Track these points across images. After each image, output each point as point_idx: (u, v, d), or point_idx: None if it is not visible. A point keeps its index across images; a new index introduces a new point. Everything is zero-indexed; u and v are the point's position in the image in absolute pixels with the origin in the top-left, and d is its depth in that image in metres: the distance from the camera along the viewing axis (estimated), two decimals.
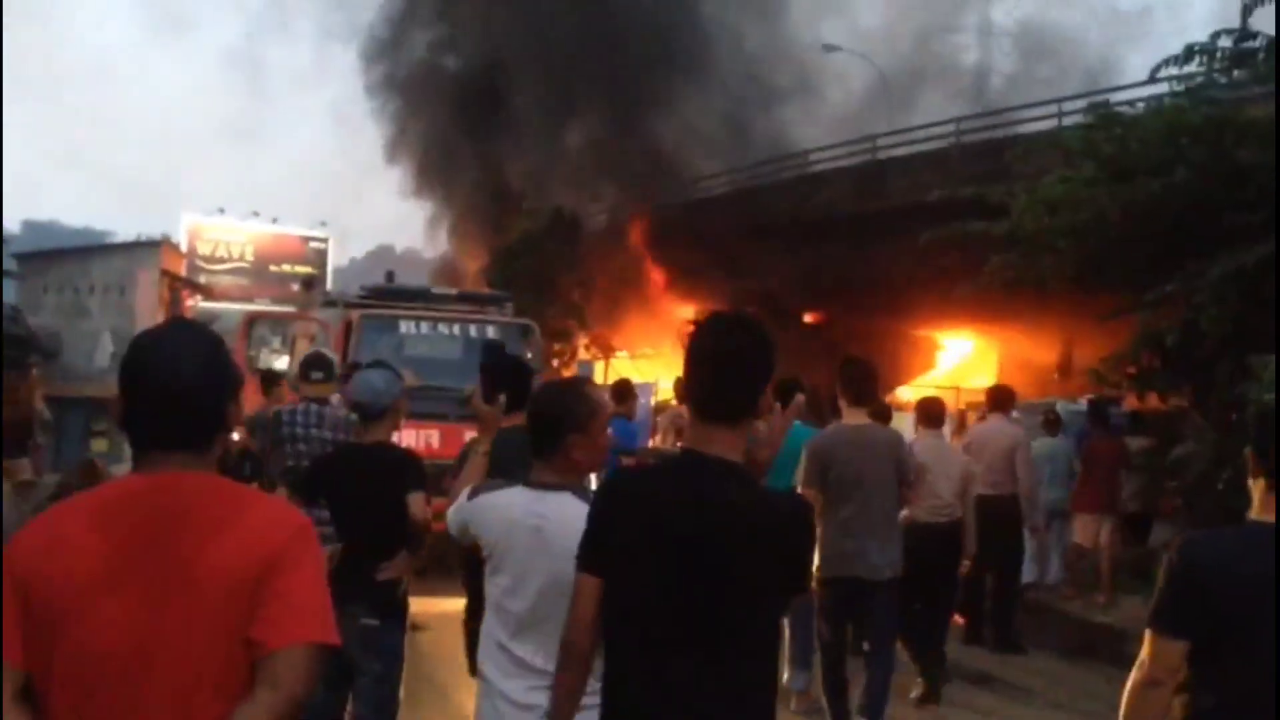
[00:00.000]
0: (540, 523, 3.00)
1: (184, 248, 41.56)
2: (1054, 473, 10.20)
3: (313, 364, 6.35)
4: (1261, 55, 8.49)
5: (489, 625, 3.13)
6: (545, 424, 3.09)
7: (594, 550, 2.42)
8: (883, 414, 10.75)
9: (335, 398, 6.38)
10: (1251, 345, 8.96)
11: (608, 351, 30.31)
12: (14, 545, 1.91)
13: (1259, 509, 2.69)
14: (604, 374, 27.52)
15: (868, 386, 6.08)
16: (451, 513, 3.31)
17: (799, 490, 5.67)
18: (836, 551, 5.73)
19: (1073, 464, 10.37)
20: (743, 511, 2.29)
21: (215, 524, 1.90)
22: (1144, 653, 2.62)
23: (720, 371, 2.36)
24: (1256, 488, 2.72)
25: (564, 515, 2.91)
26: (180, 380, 1.95)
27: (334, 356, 7.21)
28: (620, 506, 2.41)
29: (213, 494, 1.96)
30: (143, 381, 1.97)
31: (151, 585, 1.85)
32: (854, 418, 6.02)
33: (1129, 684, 2.67)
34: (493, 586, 3.13)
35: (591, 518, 2.46)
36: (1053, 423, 10.61)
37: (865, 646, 6.10)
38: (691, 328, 2.45)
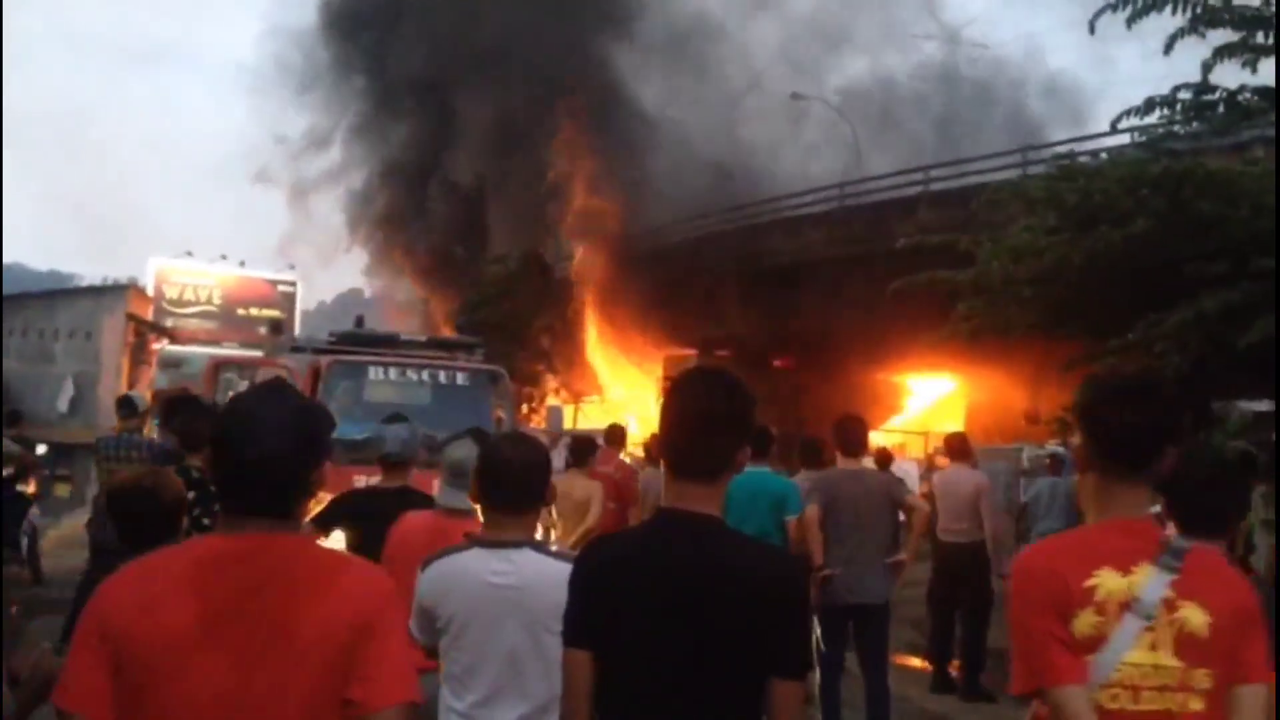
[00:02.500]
0: (508, 581, 2.98)
1: (150, 291, 41.25)
2: (1053, 508, 10.29)
3: (121, 404, 7.99)
4: (1221, 108, 8.65)
5: (446, 698, 3.07)
6: (519, 478, 3.07)
7: (581, 623, 2.33)
8: (883, 459, 10.92)
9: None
10: (1214, 392, 9.10)
11: (578, 397, 30.31)
12: (104, 600, 1.93)
13: None
14: (573, 418, 27.51)
15: (859, 439, 6.81)
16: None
17: (810, 506, 6.43)
18: (843, 581, 6.36)
19: (1074, 502, 10.47)
20: (731, 567, 2.24)
21: (310, 586, 1.95)
22: None
23: (699, 430, 2.32)
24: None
25: (536, 573, 2.92)
26: (263, 449, 1.98)
27: (142, 397, 8.47)
28: (603, 575, 2.34)
29: (306, 557, 2.02)
30: (228, 448, 2.01)
31: (246, 646, 1.89)
32: (847, 465, 6.71)
33: None
34: (455, 657, 3.07)
35: (575, 589, 2.37)
36: (1057, 464, 10.81)
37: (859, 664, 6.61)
38: (668, 384, 2.44)
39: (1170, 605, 2.19)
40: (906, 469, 15.01)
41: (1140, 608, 2.18)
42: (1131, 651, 2.17)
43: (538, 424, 21.51)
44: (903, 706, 7.26)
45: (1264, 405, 10.61)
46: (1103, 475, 2.35)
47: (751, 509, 6.47)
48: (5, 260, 28.40)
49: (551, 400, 27.17)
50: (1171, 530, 2.47)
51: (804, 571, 2.46)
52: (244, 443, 1.99)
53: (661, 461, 2.45)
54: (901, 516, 7.01)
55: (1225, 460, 2.96)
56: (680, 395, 2.37)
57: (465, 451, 3.92)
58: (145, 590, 1.92)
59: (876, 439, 28.69)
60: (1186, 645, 2.18)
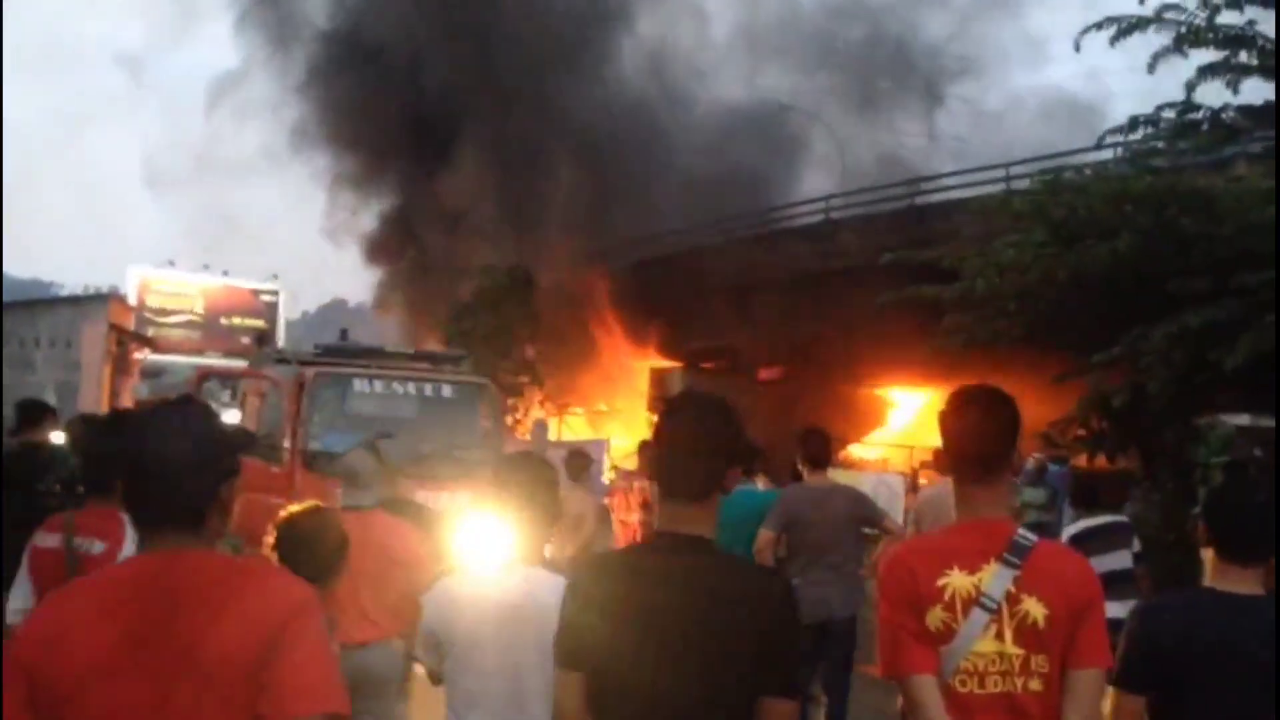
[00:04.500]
0: (515, 600, 3.00)
1: (132, 300, 41.08)
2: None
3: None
4: (1204, 126, 8.73)
5: None
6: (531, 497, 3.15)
7: (573, 644, 2.37)
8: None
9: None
10: (1197, 408, 9.15)
11: (563, 409, 30.28)
12: (19, 633, 1.94)
13: (1211, 576, 2.93)
14: (558, 430, 27.47)
15: (824, 453, 6.65)
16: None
17: (762, 530, 6.20)
18: (801, 597, 6.03)
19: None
20: (722, 588, 2.31)
21: (217, 601, 1.91)
22: (1108, 706, 2.77)
23: (690, 454, 2.41)
24: (1208, 556, 2.95)
25: (544, 591, 2.94)
26: (162, 462, 1.98)
27: (55, 406, 7.89)
28: (595, 596, 2.38)
29: (213, 571, 1.97)
30: (132, 462, 2.01)
31: (157, 670, 1.86)
32: (815, 479, 6.50)
33: None
34: (460, 680, 3.09)
35: (567, 610, 2.41)
36: (1040, 475, 11.08)
37: (818, 687, 6.45)
38: (662, 409, 2.52)
39: (1012, 599, 2.41)
40: (889, 481, 15.02)
41: (986, 602, 2.41)
42: (978, 641, 2.40)
43: (522, 435, 21.47)
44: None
45: (1245, 419, 10.69)
46: (959, 479, 2.60)
47: (741, 529, 6.45)
48: None
49: (536, 412, 27.11)
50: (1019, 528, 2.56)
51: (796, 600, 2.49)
52: (144, 456, 1.99)
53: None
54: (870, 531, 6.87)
55: (1263, 490, 3.02)
56: (673, 419, 2.47)
57: (359, 458, 4.53)
58: (58, 620, 1.92)
59: (861, 453, 28.80)
60: (1027, 634, 2.40)
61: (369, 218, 37.83)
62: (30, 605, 3.73)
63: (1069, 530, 6.83)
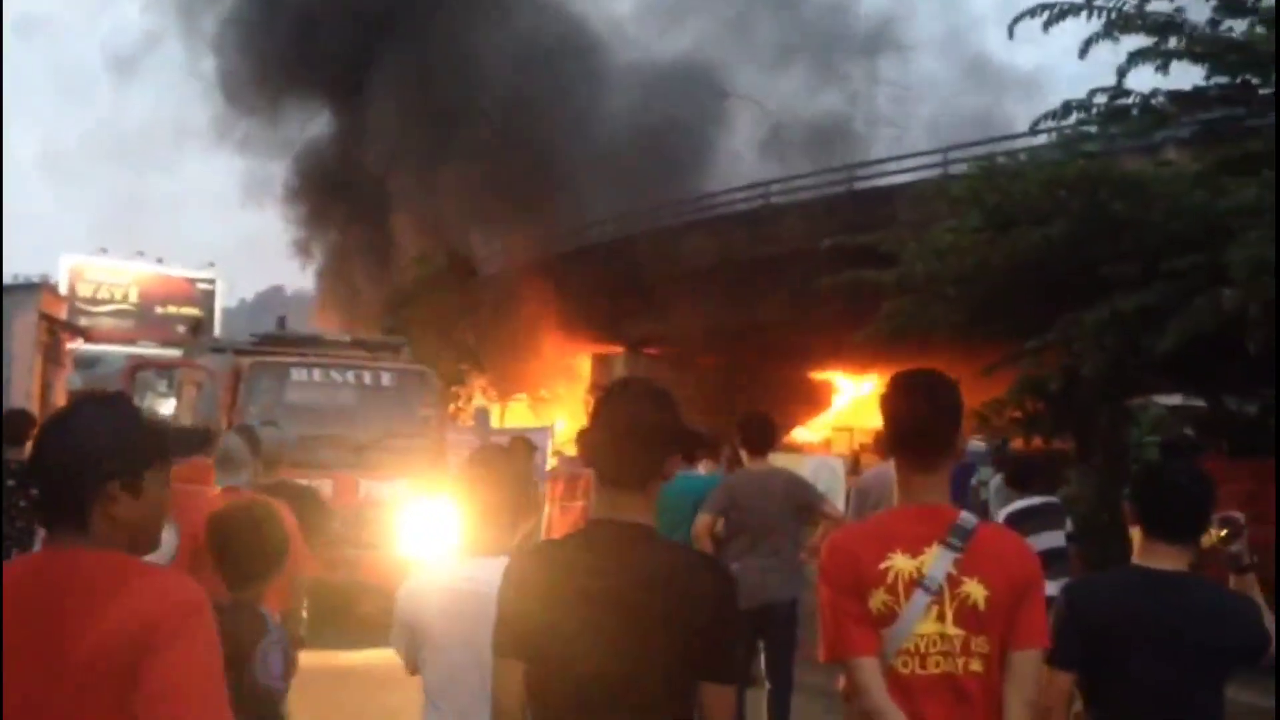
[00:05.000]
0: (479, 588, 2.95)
1: (64, 289, 40.19)
2: (966, 499, 10.53)
3: None
4: (1135, 112, 8.86)
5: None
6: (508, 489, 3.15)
7: (512, 633, 2.37)
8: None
9: None
10: (1130, 390, 9.31)
11: (505, 396, 30.14)
12: None
13: (1138, 554, 3.01)
14: (500, 418, 27.36)
15: (766, 436, 6.57)
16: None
17: (700, 515, 6.15)
18: (739, 581, 6.02)
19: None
20: (664, 576, 2.31)
21: (90, 603, 1.84)
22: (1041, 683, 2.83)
23: (628, 440, 2.38)
24: (1136, 535, 3.03)
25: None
26: (44, 458, 1.96)
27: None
28: (534, 583, 2.37)
29: (89, 571, 1.89)
30: (31, 459, 2.01)
31: (32, 670, 1.80)
32: (755, 464, 6.46)
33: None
34: (433, 670, 3.08)
35: (505, 598, 2.40)
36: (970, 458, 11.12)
37: (762, 667, 6.41)
38: (598, 396, 2.51)
39: (954, 581, 2.44)
40: (831, 464, 15.13)
41: (927, 584, 2.44)
42: (920, 623, 2.43)
43: (464, 423, 21.35)
44: (831, 703, 7.28)
45: (1177, 400, 10.90)
46: (900, 464, 2.61)
47: (681, 514, 6.46)
48: None
49: (478, 399, 26.98)
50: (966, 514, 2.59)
51: (734, 583, 2.49)
52: (37, 452, 1.98)
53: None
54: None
55: (1198, 473, 3.09)
56: (609, 407, 2.44)
57: (233, 441, 5.06)
58: None
59: (804, 436, 28.99)
60: (967, 616, 2.43)
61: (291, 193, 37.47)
62: None
63: (1004, 511, 6.96)
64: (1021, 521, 6.15)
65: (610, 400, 2.47)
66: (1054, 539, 6.38)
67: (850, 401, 30.70)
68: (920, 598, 2.44)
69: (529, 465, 3.37)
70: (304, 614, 4.86)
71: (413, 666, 3.16)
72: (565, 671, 2.29)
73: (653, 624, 2.26)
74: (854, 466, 13.28)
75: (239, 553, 3.37)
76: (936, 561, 2.45)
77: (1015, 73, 53.83)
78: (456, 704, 3.00)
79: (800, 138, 33.89)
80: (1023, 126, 10.97)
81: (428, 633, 3.06)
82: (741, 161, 32.89)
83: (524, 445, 9.02)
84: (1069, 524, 6.79)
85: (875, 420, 2.89)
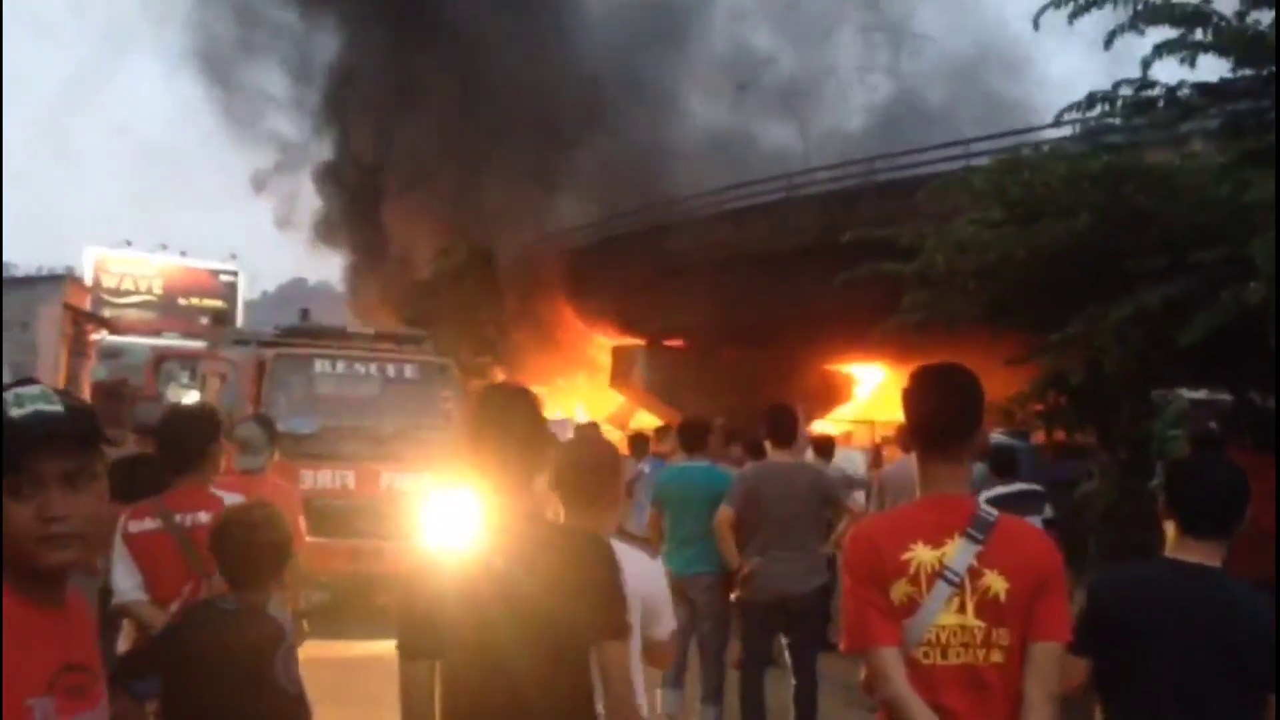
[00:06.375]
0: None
1: (88, 280, 40.50)
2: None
3: None
4: (1161, 104, 8.79)
5: None
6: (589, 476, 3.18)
7: (417, 634, 2.56)
8: (823, 446, 11.08)
9: None
10: (1153, 383, 9.26)
11: None
12: None
13: (1172, 548, 3.01)
14: None
15: (789, 429, 6.66)
16: None
17: (722, 508, 6.26)
18: (763, 573, 6.18)
19: None
20: (549, 553, 2.56)
21: None
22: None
23: (505, 442, 2.63)
24: (1170, 528, 3.04)
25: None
26: None
27: None
28: (434, 584, 2.57)
29: None
30: None
31: None
32: (778, 456, 6.56)
33: None
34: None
35: (407, 603, 2.60)
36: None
37: (788, 659, 6.44)
38: (470, 403, 2.82)
39: (975, 573, 2.48)
40: (852, 457, 15.10)
41: (949, 576, 2.47)
42: (941, 615, 2.47)
43: None
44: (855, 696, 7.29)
45: (1203, 394, 10.83)
46: (921, 456, 2.65)
47: (688, 504, 6.47)
48: None
49: None
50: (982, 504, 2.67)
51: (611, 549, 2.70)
52: None
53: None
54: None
55: (1235, 469, 3.09)
56: (479, 412, 2.71)
57: (250, 428, 5.44)
58: None
59: (825, 428, 28.94)
60: (988, 608, 2.47)
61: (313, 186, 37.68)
62: (139, 582, 4.09)
63: (985, 494, 7.11)
64: (1000, 506, 6.21)
65: (479, 405, 2.73)
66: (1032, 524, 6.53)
67: (871, 394, 30.63)
68: (942, 589, 2.47)
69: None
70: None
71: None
72: (473, 663, 2.51)
73: (546, 597, 2.49)
74: (876, 459, 13.24)
75: (240, 555, 3.39)
76: (958, 553, 2.49)
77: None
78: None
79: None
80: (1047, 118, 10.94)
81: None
82: (766, 153, 32.78)
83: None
84: (1048, 510, 7.26)
85: (897, 413, 2.92)
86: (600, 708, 2.61)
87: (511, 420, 2.65)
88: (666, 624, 3.20)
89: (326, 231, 39.67)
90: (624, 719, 2.59)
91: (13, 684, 1.69)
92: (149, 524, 4.14)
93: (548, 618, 2.48)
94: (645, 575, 3.11)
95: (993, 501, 6.49)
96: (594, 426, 13.62)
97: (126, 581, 4.13)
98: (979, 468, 9.87)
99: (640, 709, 2.68)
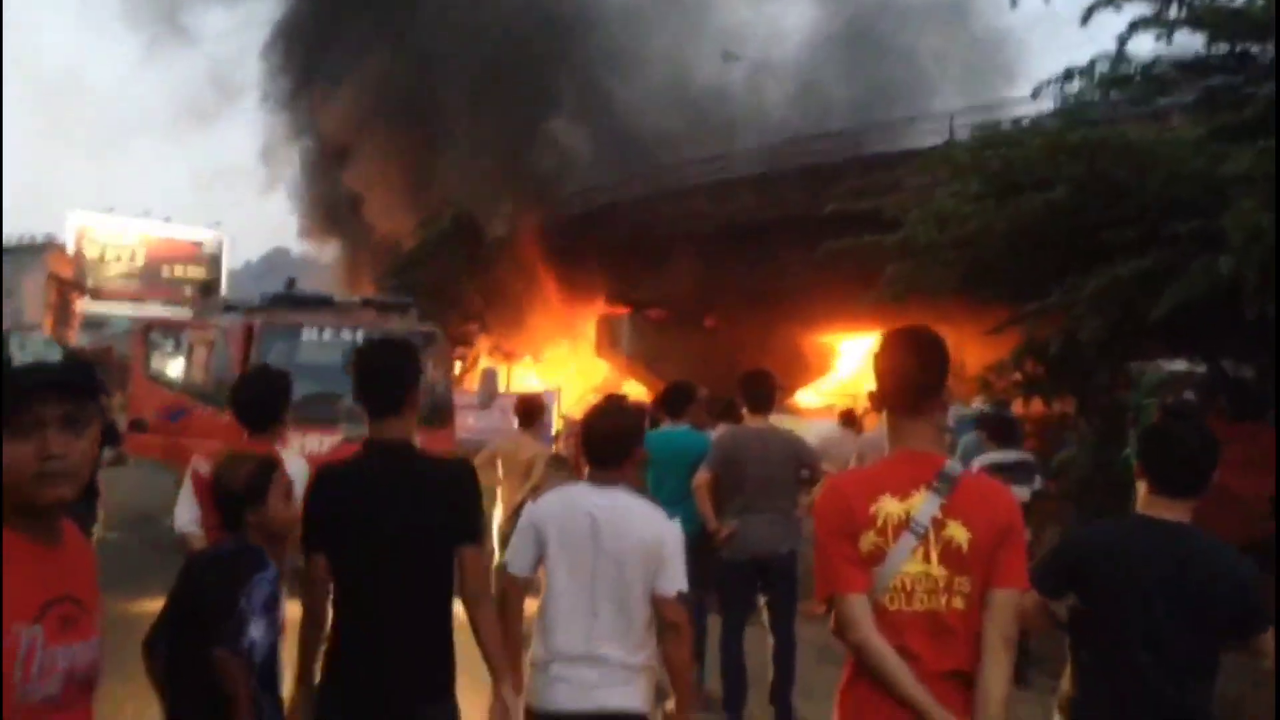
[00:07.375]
0: (596, 512, 3.38)
1: (70, 249, 40.25)
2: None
3: None
4: (1136, 78, 8.93)
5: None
6: (612, 440, 3.53)
7: (316, 531, 3.20)
8: (850, 420, 11.31)
9: None
10: (1128, 354, 9.43)
11: (510, 356, 30.29)
12: None
13: (1142, 506, 3.17)
14: (507, 379, 27.51)
15: (766, 396, 6.70)
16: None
17: (701, 470, 6.45)
18: (741, 535, 6.37)
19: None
20: (420, 473, 3.21)
21: None
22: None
23: (377, 380, 3.30)
24: (1140, 488, 3.19)
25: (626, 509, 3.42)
26: None
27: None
28: (328, 493, 3.22)
29: None
30: None
31: None
32: (754, 422, 6.63)
33: None
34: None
35: (310, 505, 3.23)
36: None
37: (766, 619, 6.53)
38: (356, 354, 3.41)
39: (939, 524, 2.60)
40: (833, 428, 15.21)
41: (914, 526, 2.60)
42: (907, 563, 2.60)
43: (470, 384, 21.49)
44: (828, 654, 7.38)
45: (1180, 365, 11.00)
46: (891, 414, 2.78)
47: (671, 466, 6.59)
48: None
49: (485, 361, 27.16)
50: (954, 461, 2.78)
51: (473, 471, 3.42)
52: None
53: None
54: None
55: (1205, 432, 3.24)
56: (357, 357, 3.37)
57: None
58: None
59: (808, 399, 29.07)
60: (951, 556, 2.60)
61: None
62: (196, 516, 4.55)
63: (979, 460, 7.27)
64: (993, 474, 6.36)
65: (358, 353, 3.40)
66: (1020, 493, 6.70)
67: (856, 366, 30.82)
68: (907, 539, 2.59)
69: (636, 422, 3.74)
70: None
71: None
72: (356, 557, 3.13)
73: (414, 506, 3.12)
74: (851, 419, 13.32)
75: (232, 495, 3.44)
76: (923, 505, 2.61)
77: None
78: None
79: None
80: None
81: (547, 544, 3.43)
82: (746, 124, 32.78)
83: (531, 403, 9.13)
84: (1038, 481, 7.35)
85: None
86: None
87: (375, 364, 3.31)
88: (674, 579, 3.35)
89: (307, 206, 39.43)
90: (478, 611, 3.16)
91: None
92: (209, 468, 4.33)
93: (417, 522, 3.09)
94: (658, 525, 3.40)
95: (986, 468, 6.70)
96: (621, 398, 13.67)
97: (186, 515, 4.59)
98: (970, 436, 10.09)
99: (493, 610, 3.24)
